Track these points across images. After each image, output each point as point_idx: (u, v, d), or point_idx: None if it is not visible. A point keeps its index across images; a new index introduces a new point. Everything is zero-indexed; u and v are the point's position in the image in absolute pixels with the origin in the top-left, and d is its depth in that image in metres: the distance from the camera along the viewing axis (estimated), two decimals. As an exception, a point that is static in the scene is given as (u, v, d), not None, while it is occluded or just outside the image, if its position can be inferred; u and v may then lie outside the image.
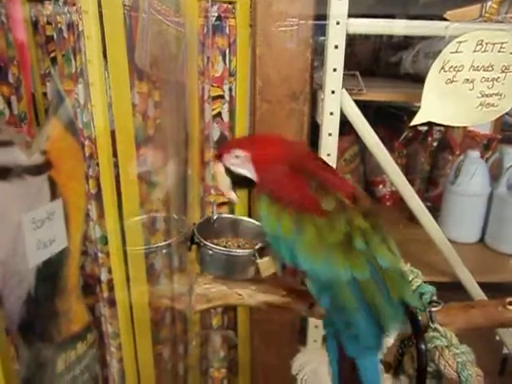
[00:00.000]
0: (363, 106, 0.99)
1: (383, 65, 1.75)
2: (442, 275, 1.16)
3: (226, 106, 1.09)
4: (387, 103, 1.81)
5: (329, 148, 1.00)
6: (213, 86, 1.06)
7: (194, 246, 0.65)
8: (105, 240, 1.00)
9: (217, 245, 0.63)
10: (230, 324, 1.29)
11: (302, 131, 1.06)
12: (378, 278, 0.53)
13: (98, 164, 0.95)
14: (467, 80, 0.92)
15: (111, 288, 1.02)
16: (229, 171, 0.63)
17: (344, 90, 0.97)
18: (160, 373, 1.20)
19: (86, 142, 0.96)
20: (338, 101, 0.97)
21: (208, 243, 0.62)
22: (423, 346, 0.63)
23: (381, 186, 1.68)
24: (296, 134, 1.06)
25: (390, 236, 0.59)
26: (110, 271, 1.01)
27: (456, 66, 0.91)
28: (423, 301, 0.69)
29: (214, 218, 0.69)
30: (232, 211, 1.17)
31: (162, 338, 1.17)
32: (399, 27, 0.93)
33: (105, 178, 0.92)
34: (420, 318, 0.67)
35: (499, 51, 0.90)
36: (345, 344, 0.54)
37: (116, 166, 0.93)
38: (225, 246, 0.64)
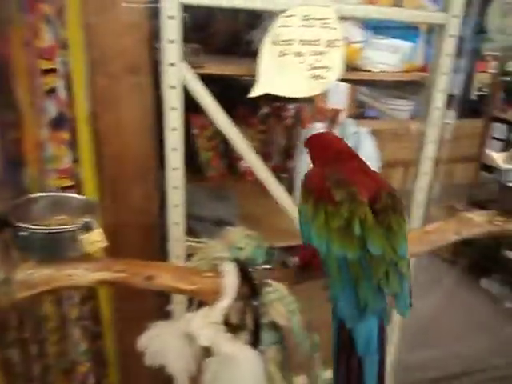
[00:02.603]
0: (223, 84, 0.98)
1: (243, 44, 1.79)
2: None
3: (61, 80, 1.00)
4: (248, 82, 1.86)
5: (173, 122, 0.98)
6: (43, 58, 0.96)
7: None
8: None
9: (36, 225, 0.58)
10: (92, 314, 1.22)
11: (146, 106, 1.03)
12: (365, 261, 0.60)
13: None
14: (298, 53, 0.98)
15: None
16: None
17: (184, 63, 0.96)
18: (10, 378, 1.09)
19: None
20: (178, 74, 0.95)
21: (22, 224, 0.56)
22: (256, 302, 0.67)
23: (242, 162, 1.73)
24: (139, 109, 1.02)
25: (401, 231, 0.65)
26: None
27: (286, 40, 0.96)
28: (256, 262, 0.73)
29: (34, 196, 0.63)
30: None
31: (8, 341, 1.06)
32: (233, 1, 0.94)
33: None
34: (255, 276, 0.71)
35: (323, 26, 0.98)
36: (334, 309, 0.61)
37: None
38: (46, 226, 0.59)
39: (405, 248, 0.64)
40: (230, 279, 0.69)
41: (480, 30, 2.56)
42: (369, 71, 1.17)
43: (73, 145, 1.06)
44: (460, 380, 1.91)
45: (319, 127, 1.43)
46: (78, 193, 1.10)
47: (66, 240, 0.57)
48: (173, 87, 0.96)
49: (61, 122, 1.03)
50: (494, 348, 2.02)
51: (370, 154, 1.38)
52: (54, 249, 0.58)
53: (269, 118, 1.77)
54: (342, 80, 1.12)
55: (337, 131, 1.57)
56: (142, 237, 1.15)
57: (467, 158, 2.75)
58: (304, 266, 0.75)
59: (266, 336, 0.70)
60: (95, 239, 0.57)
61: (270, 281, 0.71)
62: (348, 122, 1.51)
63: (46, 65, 0.97)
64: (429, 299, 2.29)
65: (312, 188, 0.68)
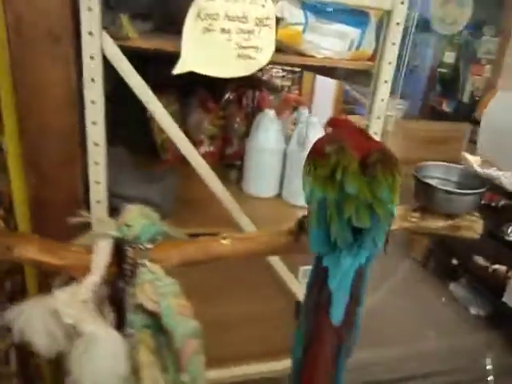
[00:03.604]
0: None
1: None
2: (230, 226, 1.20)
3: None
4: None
5: (92, 94, 0.95)
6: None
7: None
8: None
9: None
10: (17, 289, 1.19)
11: (69, 77, 0.98)
12: (340, 200, 0.64)
13: None
14: (223, 30, 0.93)
15: None
16: None
17: (105, 33, 0.92)
18: None
19: None
20: (97, 44, 0.91)
21: None
22: (121, 284, 0.63)
23: (199, 147, 1.69)
24: (62, 80, 0.98)
25: (386, 182, 0.68)
26: None
27: (211, 14, 0.92)
28: (138, 241, 0.70)
29: None
30: None
31: None
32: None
33: None
34: (133, 256, 0.68)
35: (251, 3, 0.93)
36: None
37: None
38: None
39: (387, 195, 0.67)
40: (100, 256, 0.66)
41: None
42: (313, 57, 1.12)
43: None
44: (412, 382, 1.88)
45: (269, 114, 1.38)
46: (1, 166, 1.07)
47: None
48: (92, 57, 0.93)
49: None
50: (450, 353, 1.98)
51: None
52: None
53: (230, 104, 1.73)
54: (281, 63, 1.08)
55: (291, 117, 1.54)
56: (67, 213, 1.12)
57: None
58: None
59: (137, 319, 0.67)
60: None
61: (146, 261, 0.67)
62: (302, 111, 1.47)
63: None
64: (393, 299, 2.26)
65: (312, 149, 0.74)
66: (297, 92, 3.40)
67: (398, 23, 1.07)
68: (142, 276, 0.66)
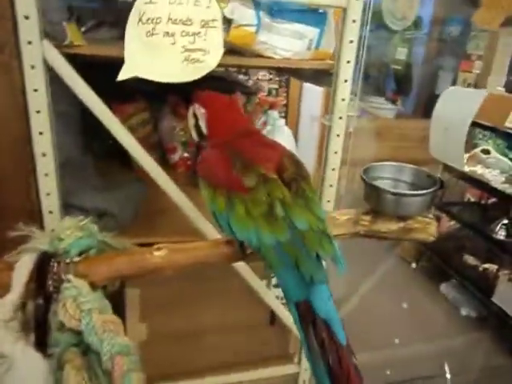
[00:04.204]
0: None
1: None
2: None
3: None
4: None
5: (36, 104, 0.92)
6: None
7: None
8: None
9: None
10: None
11: (14, 88, 0.96)
12: (298, 239, 0.60)
13: None
14: (167, 33, 0.91)
15: None
16: (195, 117, 0.84)
17: (46, 41, 0.90)
18: None
19: None
20: (37, 53, 0.89)
21: None
22: (40, 301, 0.61)
23: (173, 154, 1.66)
24: (6, 92, 0.96)
25: (315, 196, 0.67)
26: None
27: (153, 18, 0.89)
28: (66, 255, 0.67)
29: None
30: None
31: None
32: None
33: None
34: (57, 271, 0.65)
35: (195, 4, 0.90)
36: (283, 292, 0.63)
37: None
38: None
39: (322, 210, 0.66)
40: (21, 272, 0.63)
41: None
42: (270, 58, 1.09)
43: None
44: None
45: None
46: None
47: None
48: (33, 67, 0.90)
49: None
50: (441, 355, 1.93)
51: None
52: None
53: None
54: (238, 66, 1.05)
55: (261, 120, 1.51)
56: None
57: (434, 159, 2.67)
58: None
59: (61, 337, 0.64)
60: None
61: (70, 276, 0.64)
62: (271, 113, 1.44)
63: None
64: (382, 300, 2.22)
65: (216, 176, 0.68)
66: (284, 95, 3.37)
67: (354, 20, 1.04)
68: (65, 292, 0.63)
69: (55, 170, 0.99)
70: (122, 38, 1.41)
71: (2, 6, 0.91)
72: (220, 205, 0.65)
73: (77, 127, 1.49)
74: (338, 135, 1.14)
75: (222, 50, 0.96)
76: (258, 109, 1.71)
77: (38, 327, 0.61)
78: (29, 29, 0.87)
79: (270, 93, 3.34)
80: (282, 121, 1.32)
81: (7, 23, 0.92)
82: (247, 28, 1.03)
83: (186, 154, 1.68)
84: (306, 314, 0.60)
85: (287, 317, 1.30)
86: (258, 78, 3.28)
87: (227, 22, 1.02)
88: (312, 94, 3.49)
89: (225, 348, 1.42)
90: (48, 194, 1.00)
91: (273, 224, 0.61)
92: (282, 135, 1.28)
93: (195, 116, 0.86)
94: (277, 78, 3.41)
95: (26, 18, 0.87)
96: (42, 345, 0.62)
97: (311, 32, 1.11)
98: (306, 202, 0.64)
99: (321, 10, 1.12)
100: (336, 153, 1.15)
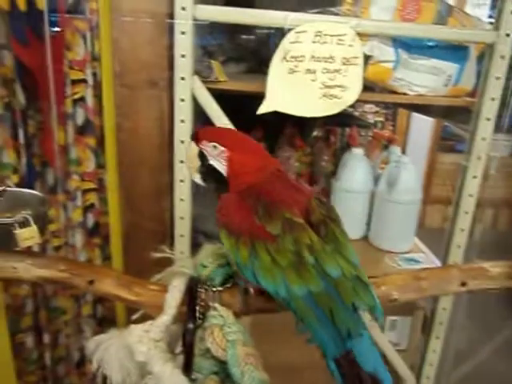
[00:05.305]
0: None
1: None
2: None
3: (90, 90, 1.07)
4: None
5: (181, 134, 0.99)
6: (73, 69, 1.05)
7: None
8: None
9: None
10: (107, 313, 1.26)
11: (163, 117, 1.05)
12: (331, 288, 0.55)
13: None
14: (309, 70, 0.93)
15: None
16: (202, 156, 0.67)
17: (196, 77, 0.97)
18: (22, 363, 1.17)
19: None
20: (187, 87, 0.96)
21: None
22: (191, 326, 0.63)
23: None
24: (156, 120, 1.05)
25: (346, 240, 0.62)
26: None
27: (297, 56, 0.92)
28: (211, 283, 0.69)
29: None
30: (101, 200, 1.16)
31: (23, 326, 1.14)
32: (243, 16, 0.93)
33: None
34: (204, 298, 0.67)
35: (338, 43, 0.92)
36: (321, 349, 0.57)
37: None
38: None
39: (354, 254, 0.60)
40: (173, 295, 0.66)
41: None
42: (405, 94, 1.06)
43: (97, 150, 1.13)
44: None
45: (357, 153, 1.33)
46: (100, 197, 1.17)
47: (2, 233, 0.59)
48: (182, 100, 0.98)
49: (87, 129, 1.10)
50: None
51: (410, 183, 1.25)
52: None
53: (318, 140, 1.71)
54: (370, 102, 1.04)
55: (381, 156, 1.46)
56: (154, 245, 1.17)
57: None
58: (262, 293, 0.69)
59: (205, 363, 0.65)
60: (29, 235, 0.59)
61: (217, 305, 0.66)
62: (394, 149, 1.39)
63: (76, 75, 1.06)
64: (496, 363, 1.98)
65: (238, 226, 0.61)
66: (391, 128, 3.28)
67: (502, 56, 0.98)
68: (211, 320, 0.65)
69: (190, 195, 1.05)
70: (247, 72, 1.49)
71: (161, 45, 1.01)
72: (243, 255, 0.60)
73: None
74: (474, 177, 1.06)
75: (361, 87, 0.95)
76: (374, 143, 1.68)
77: (187, 351, 0.63)
78: (184, 66, 0.95)
79: (375, 125, 3.27)
80: (407, 158, 1.26)
81: (163, 61, 1.02)
82: (385, 64, 1.02)
83: (298, 185, 1.69)
84: (349, 369, 0.55)
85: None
86: (364, 111, 3.24)
87: (365, 58, 1.02)
88: (421, 125, 3.35)
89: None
90: (182, 218, 1.06)
91: (302, 273, 0.56)
92: (408, 173, 1.22)
93: (202, 155, 0.67)
94: (383, 111, 3.34)
95: (183, 56, 0.94)
96: (187, 369, 0.64)
97: (451, 68, 1.06)
98: (336, 247, 0.59)
99: (463, 45, 1.07)
100: (471, 196, 1.07)
